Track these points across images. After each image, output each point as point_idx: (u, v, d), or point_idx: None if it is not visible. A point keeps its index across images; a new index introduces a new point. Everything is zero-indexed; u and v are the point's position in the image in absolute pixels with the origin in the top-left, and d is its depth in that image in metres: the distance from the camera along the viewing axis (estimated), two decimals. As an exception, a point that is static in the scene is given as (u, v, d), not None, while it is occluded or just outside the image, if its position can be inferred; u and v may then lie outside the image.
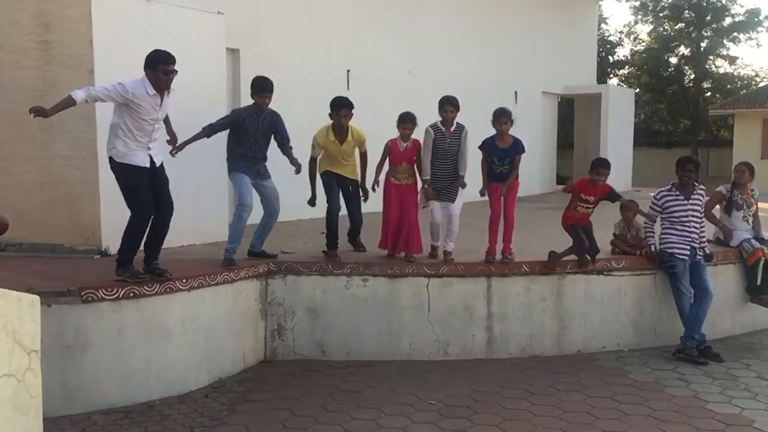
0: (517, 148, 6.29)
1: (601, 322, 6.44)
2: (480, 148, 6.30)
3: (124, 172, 5.21)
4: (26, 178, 6.54)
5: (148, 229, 5.32)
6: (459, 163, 6.30)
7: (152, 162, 5.29)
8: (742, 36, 33.19)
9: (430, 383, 5.61)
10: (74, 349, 4.98)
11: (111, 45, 6.20)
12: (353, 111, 6.42)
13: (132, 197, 5.24)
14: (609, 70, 34.49)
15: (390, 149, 6.42)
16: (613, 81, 34.04)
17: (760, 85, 31.87)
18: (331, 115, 6.38)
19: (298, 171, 6.17)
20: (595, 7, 18.48)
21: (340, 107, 6.37)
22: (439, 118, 6.30)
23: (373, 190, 6.55)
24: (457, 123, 6.32)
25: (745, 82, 34.28)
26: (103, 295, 5.04)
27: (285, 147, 6.23)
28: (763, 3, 44.81)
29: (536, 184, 14.60)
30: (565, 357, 6.30)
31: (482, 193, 6.35)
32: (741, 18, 32.75)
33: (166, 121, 5.54)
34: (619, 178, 15.71)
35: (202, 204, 6.92)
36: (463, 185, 6.29)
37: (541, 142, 15.05)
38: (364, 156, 6.67)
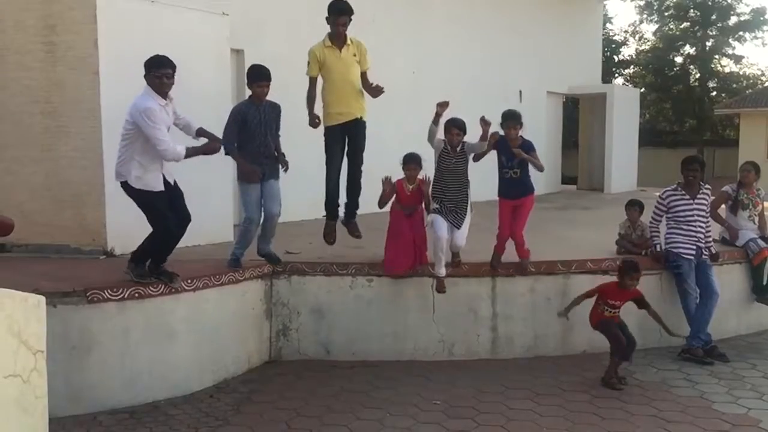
0: (529, 147, 5.97)
1: (606, 322, 6.42)
2: (494, 147, 6.04)
3: (141, 197, 5.13)
4: (32, 179, 6.56)
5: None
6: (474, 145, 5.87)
7: (166, 182, 5.22)
8: (747, 35, 33.16)
9: (435, 383, 5.61)
10: (79, 349, 4.99)
11: (116, 46, 6.21)
12: (351, 18, 5.86)
13: (154, 218, 5.17)
14: (614, 69, 34.45)
15: (396, 191, 6.03)
16: (618, 81, 33.99)
17: (766, 84, 31.83)
18: (328, 20, 5.85)
19: (285, 169, 5.88)
20: (600, 6, 18.43)
21: (339, 13, 5.74)
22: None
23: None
24: (464, 142, 5.92)
25: (751, 81, 34.22)
26: (109, 296, 5.05)
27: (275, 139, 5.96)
28: (768, 2, 44.75)
29: (541, 184, 14.53)
30: (570, 357, 6.29)
31: (484, 121, 5.81)
32: (746, 17, 32.71)
33: (201, 132, 5.47)
34: (624, 179, 15.76)
35: (207, 205, 6.91)
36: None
37: (546, 142, 15.00)
38: (365, 78, 6.07)
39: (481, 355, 6.24)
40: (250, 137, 5.74)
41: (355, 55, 5.88)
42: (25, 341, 3.41)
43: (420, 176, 6.00)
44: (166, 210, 5.17)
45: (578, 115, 18.10)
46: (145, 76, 5.11)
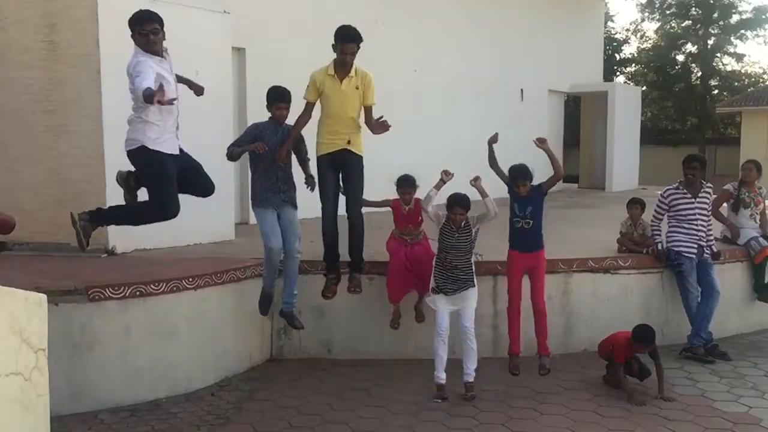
0: (539, 191, 5.58)
1: (607, 321, 6.41)
2: (507, 182, 5.63)
3: (156, 161, 4.70)
4: (33, 178, 6.56)
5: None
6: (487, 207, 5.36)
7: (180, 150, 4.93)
8: (749, 33, 33.06)
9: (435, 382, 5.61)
10: (81, 347, 5.00)
11: (117, 45, 6.18)
12: (360, 46, 5.34)
13: (158, 187, 4.75)
14: (616, 68, 34.39)
15: (393, 210, 5.80)
16: (620, 79, 33.92)
17: (768, 82, 31.76)
18: (334, 48, 5.35)
19: (312, 188, 5.55)
20: (602, 4, 18.40)
21: (347, 40, 5.21)
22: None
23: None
24: (468, 218, 5.42)
25: (753, 79, 34.15)
26: (110, 294, 5.06)
27: (305, 163, 5.62)
28: (770, 0, 44.66)
29: (542, 182, 14.55)
30: (572, 356, 6.29)
31: (492, 141, 5.67)
32: (748, 15, 32.63)
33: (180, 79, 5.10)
34: (626, 177, 15.75)
35: (209, 202, 6.90)
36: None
37: (547, 141, 15.01)
38: (368, 113, 5.50)
39: (483, 354, 6.21)
40: (265, 157, 5.38)
41: (357, 88, 5.36)
42: (26, 339, 3.41)
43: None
44: (175, 183, 4.81)
45: (580, 114, 18.08)
46: (132, 36, 4.71)
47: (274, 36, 9.03)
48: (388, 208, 5.90)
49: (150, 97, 4.34)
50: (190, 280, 5.46)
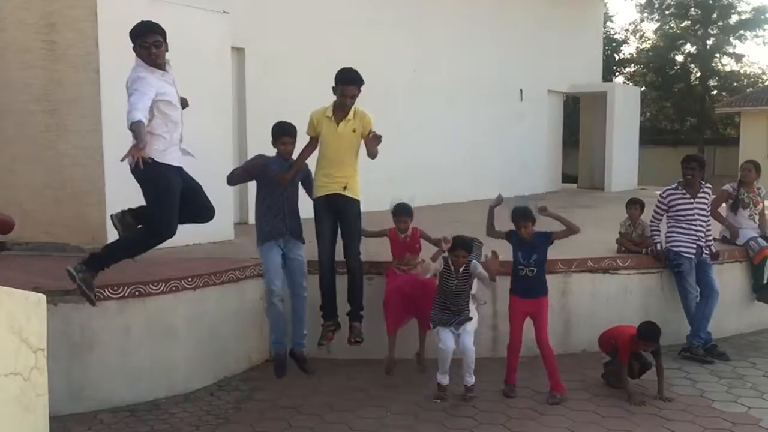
0: (545, 238, 5.40)
1: (606, 321, 6.40)
2: (506, 238, 5.49)
3: (163, 176, 4.57)
4: (32, 178, 6.56)
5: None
6: (483, 283, 5.39)
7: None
8: (748, 34, 33.14)
9: (435, 382, 5.60)
10: (80, 347, 5.00)
11: (116, 45, 6.18)
12: (361, 89, 5.18)
13: (162, 206, 4.63)
14: (615, 68, 34.44)
15: (390, 241, 5.75)
16: (619, 79, 33.97)
17: (767, 83, 31.78)
18: (334, 90, 5.18)
19: None
20: (601, 4, 18.42)
21: (347, 82, 5.09)
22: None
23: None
24: (469, 262, 5.36)
25: (752, 80, 34.23)
26: (109, 294, 5.05)
27: (310, 189, 5.46)
28: (769, 0, 44.66)
29: (541, 182, 14.59)
30: (571, 356, 6.28)
31: (496, 204, 5.53)
32: (747, 16, 32.69)
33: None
34: (625, 177, 15.76)
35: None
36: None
37: (547, 141, 15.03)
38: (370, 138, 5.27)
39: (482, 354, 6.21)
40: (270, 192, 5.26)
41: (355, 131, 5.17)
42: (25, 339, 3.42)
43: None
44: (177, 200, 4.70)
45: (579, 114, 18.11)
46: (133, 48, 4.62)
47: (273, 36, 9.04)
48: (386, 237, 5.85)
49: (133, 131, 4.26)
50: (190, 280, 5.46)
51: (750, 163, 7.41)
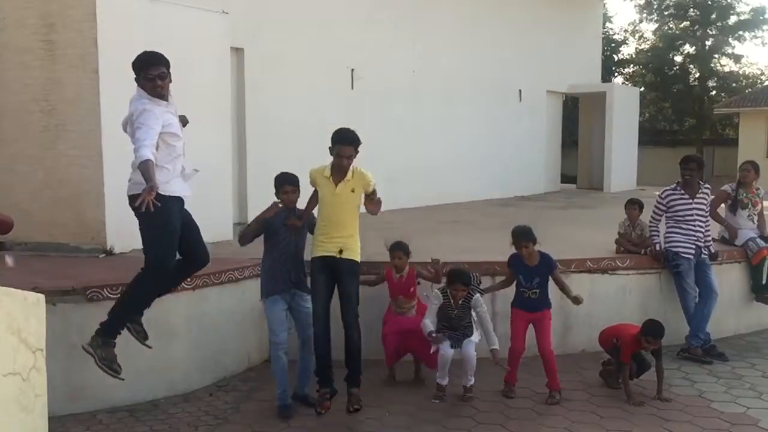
0: (548, 265, 5.41)
1: (605, 321, 6.40)
2: (508, 264, 5.56)
3: (165, 210, 4.23)
4: (31, 178, 6.56)
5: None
6: (486, 337, 5.37)
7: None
8: (747, 34, 33.18)
9: (435, 382, 5.60)
10: (79, 347, 4.97)
11: (115, 45, 6.20)
12: (358, 149, 5.00)
13: (162, 241, 4.38)
14: (614, 68, 34.46)
15: (387, 281, 5.66)
16: (618, 80, 34.01)
17: (766, 83, 31.84)
18: (331, 151, 5.01)
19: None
20: (600, 5, 18.44)
21: (342, 143, 4.91)
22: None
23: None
24: (469, 293, 5.37)
25: (751, 80, 34.27)
26: (108, 294, 5.05)
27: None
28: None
29: (540, 182, 14.60)
30: (570, 356, 6.28)
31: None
32: (746, 16, 32.73)
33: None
34: (624, 178, 15.77)
35: (206, 203, 6.91)
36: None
37: (546, 141, 15.05)
38: (371, 199, 5.16)
39: (481, 354, 6.23)
40: (275, 244, 5.17)
41: (353, 191, 5.02)
42: (24, 339, 3.41)
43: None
44: (178, 236, 4.46)
45: (578, 114, 18.12)
46: (136, 79, 4.43)
47: (273, 36, 9.04)
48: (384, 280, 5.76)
49: (141, 172, 4.06)
50: (189, 280, 5.44)
51: (749, 163, 7.41)
